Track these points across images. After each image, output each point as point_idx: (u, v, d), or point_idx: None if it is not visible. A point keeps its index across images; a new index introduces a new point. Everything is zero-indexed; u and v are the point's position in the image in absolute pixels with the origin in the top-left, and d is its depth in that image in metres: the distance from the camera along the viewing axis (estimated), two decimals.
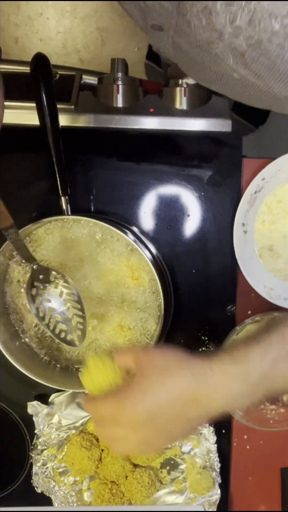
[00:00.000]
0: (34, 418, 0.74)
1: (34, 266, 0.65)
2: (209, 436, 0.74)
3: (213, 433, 0.73)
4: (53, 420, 0.74)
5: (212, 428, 0.73)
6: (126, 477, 0.74)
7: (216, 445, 0.74)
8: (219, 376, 0.48)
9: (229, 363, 0.49)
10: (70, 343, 0.66)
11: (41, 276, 0.65)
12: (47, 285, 0.66)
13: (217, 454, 0.74)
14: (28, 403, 0.74)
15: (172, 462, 0.76)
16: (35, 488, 0.75)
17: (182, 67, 0.69)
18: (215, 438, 0.74)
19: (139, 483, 0.73)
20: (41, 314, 0.65)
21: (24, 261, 0.64)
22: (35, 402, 0.74)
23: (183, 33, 0.55)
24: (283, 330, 0.50)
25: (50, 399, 0.75)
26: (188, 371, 0.49)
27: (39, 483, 0.75)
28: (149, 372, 0.50)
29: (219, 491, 0.74)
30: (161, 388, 0.48)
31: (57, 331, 0.66)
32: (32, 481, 0.75)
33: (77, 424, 0.74)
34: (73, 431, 0.74)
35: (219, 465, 0.74)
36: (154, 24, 0.59)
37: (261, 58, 0.48)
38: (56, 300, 0.66)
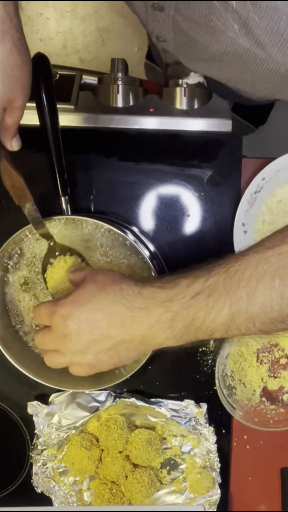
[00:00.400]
0: (34, 418, 0.74)
1: (51, 243, 0.66)
2: (209, 436, 0.74)
3: (213, 433, 0.74)
4: (53, 420, 0.74)
5: (212, 428, 0.74)
6: (126, 477, 0.74)
7: (216, 445, 0.74)
8: (145, 299, 0.49)
9: (157, 287, 0.50)
10: None
11: (57, 253, 0.66)
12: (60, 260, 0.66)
13: (217, 454, 0.74)
14: (28, 403, 0.74)
15: (172, 462, 0.76)
16: (35, 488, 0.75)
17: (181, 54, 0.68)
18: (215, 438, 0.74)
19: (139, 483, 0.73)
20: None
21: (41, 237, 0.65)
22: (35, 402, 0.74)
23: (184, 10, 0.55)
24: (211, 267, 0.50)
25: (50, 399, 0.75)
26: (119, 290, 0.50)
27: (39, 483, 0.75)
28: (88, 285, 0.52)
29: (219, 491, 0.74)
30: (92, 300, 0.50)
31: None
32: (32, 481, 0.75)
33: (77, 424, 0.74)
34: (73, 431, 0.74)
35: (219, 465, 0.74)
36: (155, 4, 0.58)
37: (264, 22, 0.47)
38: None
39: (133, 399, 0.73)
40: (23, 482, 0.77)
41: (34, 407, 0.74)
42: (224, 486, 0.76)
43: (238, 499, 0.79)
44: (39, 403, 0.74)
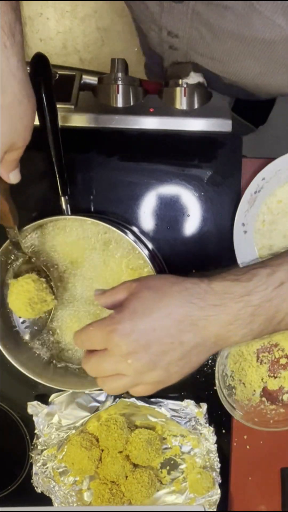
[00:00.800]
0: (34, 418, 0.74)
1: (33, 259, 0.67)
2: (209, 436, 0.74)
3: (213, 433, 0.74)
4: (53, 420, 0.74)
5: (212, 428, 0.74)
6: (126, 477, 0.74)
7: (216, 445, 0.74)
8: (219, 294, 0.44)
9: (231, 280, 0.45)
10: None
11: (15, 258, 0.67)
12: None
13: (217, 454, 0.74)
14: (28, 403, 0.74)
15: (172, 462, 0.76)
16: (35, 488, 0.75)
17: (193, 49, 0.67)
18: (215, 438, 0.74)
19: (139, 483, 0.73)
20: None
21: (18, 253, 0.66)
22: (35, 402, 0.74)
23: None
24: (285, 254, 0.46)
25: (50, 399, 0.75)
26: (184, 290, 0.45)
27: (39, 483, 0.75)
28: (142, 294, 0.46)
29: (219, 491, 0.74)
30: (155, 309, 0.44)
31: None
32: (32, 481, 0.75)
33: (77, 424, 0.74)
34: (73, 431, 0.74)
35: (219, 465, 0.74)
36: None
37: None
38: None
39: (133, 399, 0.73)
40: (23, 482, 0.77)
41: (34, 407, 0.74)
42: (224, 486, 0.76)
43: (238, 499, 0.79)
44: (39, 403, 0.74)
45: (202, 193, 0.72)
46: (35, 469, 0.74)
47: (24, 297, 0.64)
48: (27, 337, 0.72)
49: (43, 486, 0.75)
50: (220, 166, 0.71)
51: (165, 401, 0.74)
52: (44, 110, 0.61)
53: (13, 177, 0.57)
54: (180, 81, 0.70)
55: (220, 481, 0.74)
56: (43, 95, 0.60)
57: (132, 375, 0.46)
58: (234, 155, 0.71)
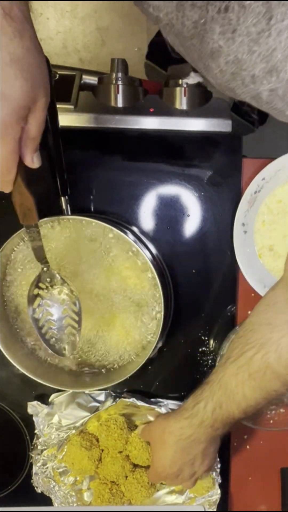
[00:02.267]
0: (34, 418, 0.74)
1: (44, 268, 0.65)
2: None
3: None
4: (53, 420, 0.74)
5: None
6: (126, 477, 0.74)
7: None
8: (188, 420, 0.65)
9: (185, 417, 0.65)
10: (58, 352, 0.67)
11: (48, 279, 0.65)
12: (51, 289, 0.66)
13: (217, 454, 0.74)
14: (28, 403, 0.74)
15: None
16: (35, 488, 0.75)
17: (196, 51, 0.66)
18: None
19: (139, 483, 0.73)
20: (36, 315, 0.65)
21: (36, 260, 0.64)
22: (35, 402, 0.74)
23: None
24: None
25: (50, 399, 0.75)
26: (171, 434, 0.66)
27: (39, 483, 0.75)
28: (153, 446, 0.70)
29: (219, 491, 0.74)
30: (167, 454, 0.67)
31: (47, 336, 0.66)
32: (32, 481, 0.75)
33: (77, 424, 0.74)
34: (73, 431, 0.74)
35: (219, 465, 0.74)
36: None
37: None
38: (56, 306, 0.66)
39: (133, 399, 0.73)
40: (23, 482, 0.77)
41: (34, 407, 0.74)
42: (224, 486, 0.76)
43: (238, 499, 0.79)
44: (39, 403, 0.74)
45: (202, 193, 0.72)
46: (35, 469, 0.74)
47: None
48: (27, 337, 0.72)
49: (43, 486, 0.75)
50: (220, 166, 0.71)
51: (165, 401, 0.74)
52: None
53: (37, 160, 0.53)
54: (180, 81, 0.70)
55: (220, 481, 0.74)
56: None
57: (187, 480, 0.70)
58: (234, 155, 0.71)
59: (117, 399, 0.73)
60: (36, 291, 0.65)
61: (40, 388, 0.75)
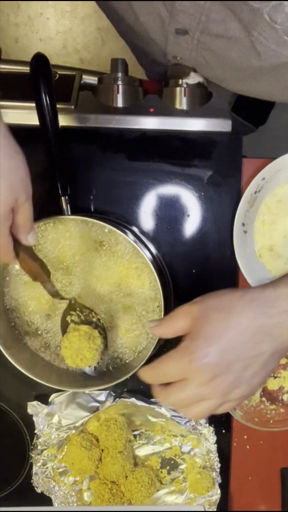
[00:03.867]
0: (34, 418, 0.74)
1: (72, 301, 0.69)
2: (209, 436, 0.74)
3: (213, 433, 0.74)
4: (53, 420, 0.74)
5: (212, 428, 0.74)
6: (126, 477, 0.74)
7: (216, 445, 0.74)
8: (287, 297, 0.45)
9: (275, 297, 0.45)
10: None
11: (77, 309, 0.69)
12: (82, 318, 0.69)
13: (217, 454, 0.74)
14: (28, 403, 0.74)
15: (172, 462, 0.76)
16: (35, 488, 0.75)
17: (199, 67, 0.68)
18: (215, 438, 0.74)
19: (139, 483, 0.73)
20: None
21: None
22: (35, 402, 0.74)
23: (215, 28, 0.54)
24: None
25: (50, 399, 0.75)
26: (251, 301, 0.46)
27: (39, 483, 0.75)
28: (209, 316, 0.46)
29: (219, 491, 0.74)
30: (228, 328, 0.45)
31: None
32: (32, 481, 0.75)
33: (77, 424, 0.74)
34: (73, 431, 0.74)
35: (219, 465, 0.74)
36: (178, 28, 0.58)
37: None
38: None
39: (133, 399, 0.73)
40: (23, 482, 0.77)
41: (34, 407, 0.74)
42: (224, 486, 0.76)
43: (238, 499, 0.79)
44: (39, 403, 0.74)
45: (202, 193, 0.72)
46: (35, 469, 0.74)
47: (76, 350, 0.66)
48: (27, 337, 0.72)
49: (43, 486, 0.75)
50: (220, 166, 0.71)
51: None
52: (44, 110, 0.61)
53: (32, 239, 0.56)
54: (180, 81, 0.70)
55: (220, 481, 0.74)
56: (43, 95, 0.60)
57: (217, 397, 0.46)
58: (234, 155, 0.71)
59: (117, 399, 0.73)
60: (68, 318, 0.69)
61: (40, 388, 0.75)
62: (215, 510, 0.74)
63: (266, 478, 0.79)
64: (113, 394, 0.75)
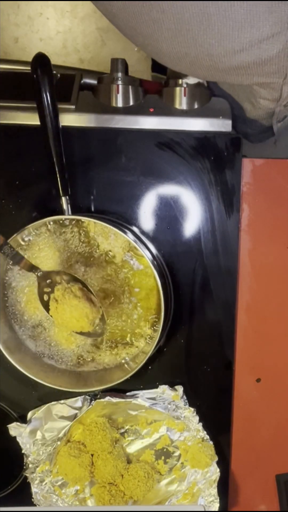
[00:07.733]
0: (18, 439, 0.73)
1: (39, 274, 0.65)
2: (192, 417, 0.73)
3: (194, 413, 0.73)
4: (36, 437, 0.73)
5: (192, 409, 0.73)
6: (122, 476, 0.74)
7: (201, 423, 0.73)
8: None
9: None
10: (94, 334, 0.67)
11: (48, 281, 0.66)
12: (55, 286, 0.66)
13: (205, 432, 0.73)
14: (8, 425, 0.73)
15: (165, 451, 0.75)
16: (37, 505, 0.74)
17: None
18: (197, 418, 0.73)
19: (135, 478, 0.73)
20: None
21: (28, 271, 0.65)
22: (14, 424, 0.73)
23: None
24: None
25: (28, 417, 0.74)
26: None
27: (40, 500, 0.73)
28: None
29: (218, 470, 0.73)
30: None
31: None
32: (32, 499, 0.74)
33: (60, 435, 0.73)
34: (59, 443, 0.73)
35: (211, 442, 0.74)
36: None
37: None
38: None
39: (108, 398, 0.72)
40: (23, 482, 0.77)
41: (15, 429, 0.73)
42: (224, 486, 0.76)
43: (238, 499, 0.79)
44: (18, 423, 0.73)
45: (202, 193, 0.72)
46: (33, 488, 0.73)
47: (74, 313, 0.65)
48: (27, 337, 0.72)
49: (45, 502, 0.73)
50: (220, 166, 0.71)
51: (140, 392, 0.74)
52: (45, 110, 0.61)
53: None
54: (180, 81, 0.70)
55: (217, 460, 0.74)
56: (44, 95, 0.60)
57: None
58: (234, 155, 0.71)
59: (92, 401, 0.73)
60: (45, 297, 0.66)
61: (40, 388, 0.74)
62: (215, 490, 0.73)
63: (266, 478, 0.79)
64: (88, 397, 0.74)
